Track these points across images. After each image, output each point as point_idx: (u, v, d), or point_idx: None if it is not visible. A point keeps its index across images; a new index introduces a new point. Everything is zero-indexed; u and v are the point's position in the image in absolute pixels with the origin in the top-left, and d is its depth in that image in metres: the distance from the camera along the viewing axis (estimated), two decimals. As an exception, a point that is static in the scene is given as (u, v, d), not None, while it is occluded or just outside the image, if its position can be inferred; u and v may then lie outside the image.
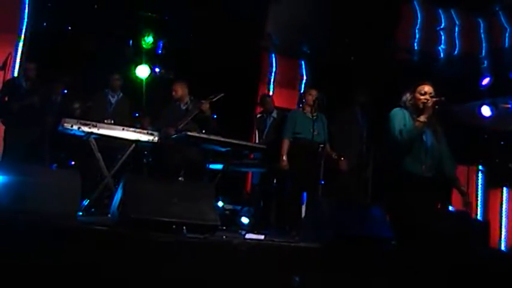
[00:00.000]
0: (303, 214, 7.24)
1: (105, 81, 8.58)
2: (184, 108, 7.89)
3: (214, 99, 7.73)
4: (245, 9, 8.83)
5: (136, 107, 8.75)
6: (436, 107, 5.25)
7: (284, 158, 7.59)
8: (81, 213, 6.18)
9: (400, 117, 5.34)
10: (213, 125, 7.73)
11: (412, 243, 5.20)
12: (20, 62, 9.72)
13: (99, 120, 7.17)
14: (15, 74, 9.35)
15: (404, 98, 5.50)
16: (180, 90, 7.95)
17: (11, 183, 4.95)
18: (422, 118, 5.23)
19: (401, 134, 5.22)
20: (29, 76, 8.34)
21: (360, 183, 8.61)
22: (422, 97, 5.34)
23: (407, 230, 5.26)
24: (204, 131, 7.40)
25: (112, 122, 7.24)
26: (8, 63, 7.20)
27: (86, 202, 6.60)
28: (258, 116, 9.27)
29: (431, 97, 5.31)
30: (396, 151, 5.33)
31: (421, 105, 5.31)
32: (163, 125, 7.63)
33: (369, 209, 6.43)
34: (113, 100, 8.54)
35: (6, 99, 8.13)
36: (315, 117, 7.51)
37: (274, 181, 8.21)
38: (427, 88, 5.37)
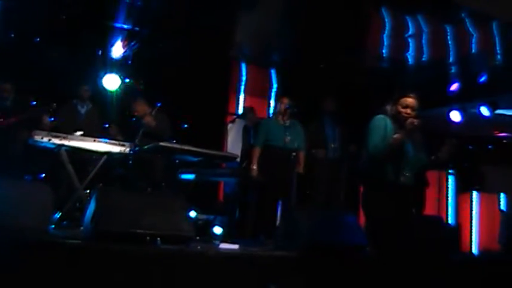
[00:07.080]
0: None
1: (74, 92, 8.52)
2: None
3: (153, 112, 7.87)
4: (214, 19, 8.81)
5: (106, 117, 8.66)
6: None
7: (254, 167, 7.63)
8: (52, 226, 6.08)
9: (381, 127, 5.21)
10: (165, 134, 7.77)
11: (387, 249, 5.21)
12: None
13: (70, 131, 7.13)
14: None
15: (387, 107, 5.32)
16: (140, 108, 8.09)
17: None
18: (400, 135, 5.08)
19: (377, 148, 5.12)
20: (5, 97, 8.01)
21: (333, 191, 8.64)
22: (403, 110, 5.17)
23: (382, 237, 5.25)
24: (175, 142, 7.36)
25: (82, 133, 7.18)
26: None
27: (57, 215, 6.51)
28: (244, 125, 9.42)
29: (414, 111, 5.15)
30: (374, 159, 5.24)
31: (401, 119, 5.14)
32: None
33: (342, 216, 6.42)
34: (83, 111, 8.50)
35: None
36: (287, 125, 7.56)
37: (248, 190, 8.18)
38: (410, 101, 5.19)
